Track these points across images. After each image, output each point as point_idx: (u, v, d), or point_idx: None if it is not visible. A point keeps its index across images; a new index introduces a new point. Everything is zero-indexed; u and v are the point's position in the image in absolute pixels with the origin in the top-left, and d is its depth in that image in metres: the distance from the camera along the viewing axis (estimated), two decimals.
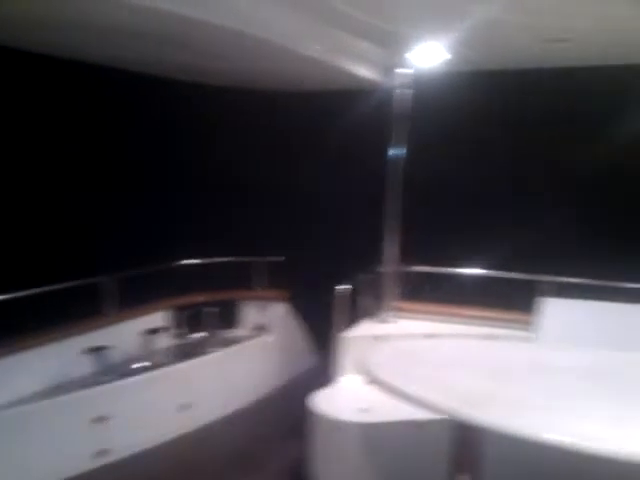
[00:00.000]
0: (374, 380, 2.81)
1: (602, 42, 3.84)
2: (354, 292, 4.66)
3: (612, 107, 4.72)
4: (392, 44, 4.09)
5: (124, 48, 4.01)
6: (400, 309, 4.90)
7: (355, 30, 3.81)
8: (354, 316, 4.77)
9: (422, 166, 4.94)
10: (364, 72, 4.41)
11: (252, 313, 5.67)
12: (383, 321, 4.80)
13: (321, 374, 4.47)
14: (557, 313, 4.27)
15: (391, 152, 4.66)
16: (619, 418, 2.44)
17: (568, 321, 4.22)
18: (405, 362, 3.09)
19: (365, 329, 4.67)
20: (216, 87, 5.38)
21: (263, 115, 5.63)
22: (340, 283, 4.38)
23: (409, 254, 4.95)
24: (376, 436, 3.71)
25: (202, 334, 5.30)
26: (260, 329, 5.58)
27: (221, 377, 4.97)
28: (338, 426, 3.74)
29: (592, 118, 4.82)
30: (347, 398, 4.09)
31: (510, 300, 4.64)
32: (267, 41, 3.47)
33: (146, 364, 4.67)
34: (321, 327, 4.69)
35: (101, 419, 3.98)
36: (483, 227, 5.12)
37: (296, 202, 5.75)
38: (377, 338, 4.33)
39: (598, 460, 2.17)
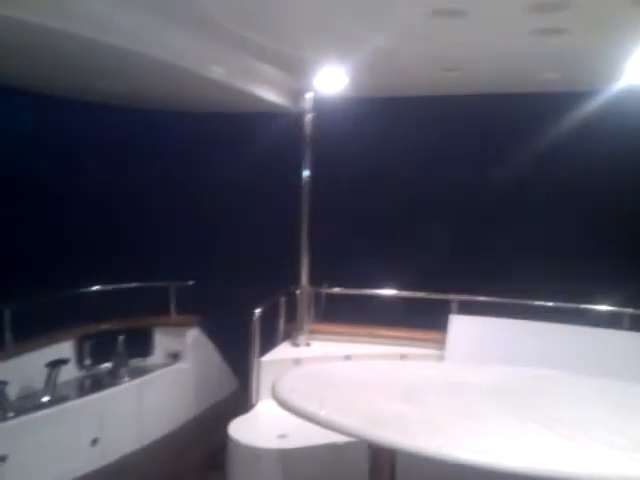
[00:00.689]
0: (284, 406, 2.80)
1: (491, 72, 4.07)
2: (270, 315, 4.64)
3: (504, 133, 5.03)
4: (298, 69, 4.17)
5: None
6: (316, 331, 4.91)
7: (261, 55, 3.86)
8: (271, 339, 4.74)
9: (331, 189, 5.05)
10: (271, 96, 4.47)
11: (165, 340, 5.50)
12: (299, 344, 4.79)
13: (240, 400, 4.40)
14: (466, 331, 4.43)
15: (300, 175, 4.71)
16: (521, 433, 2.53)
17: (476, 338, 4.39)
18: (318, 385, 3.09)
19: (282, 352, 4.65)
20: (126, 108, 5.26)
21: (171, 136, 5.54)
22: (255, 306, 4.34)
23: (323, 277, 5.01)
24: (295, 462, 3.67)
25: (111, 364, 5.09)
26: (174, 356, 5.42)
27: (134, 408, 4.77)
28: (257, 454, 3.68)
29: (486, 143, 5.11)
30: (265, 424, 4.04)
31: (424, 319, 4.76)
32: (169, 64, 3.45)
33: (49, 398, 4.41)
34: (238, 351, 4.62)
35: None
36: (393, 249, 5.26)
37: (207, 226, 5.69)
38: (292, 362, 4.31)
39: (501, 475, 2.24)
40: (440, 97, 4.86)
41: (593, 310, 4.45)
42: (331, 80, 4.29)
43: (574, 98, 4.62)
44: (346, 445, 3.47)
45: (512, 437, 2.49)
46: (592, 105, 4.52)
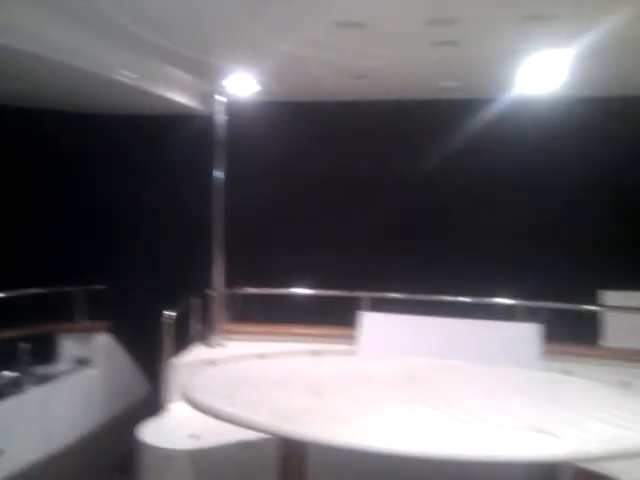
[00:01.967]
0: (194, 405, 2.82)
1: (395, 80, 4.26)
2: (183, 317, 4.62)
3: (408, 136, 5.25)
4: (207, 73, 4.19)
5: None
6: (230, 332, 4.93)
7: (170, 59, 3.85)
8: (184, 341, 4.71)
9: (245, 191, 5.08)
10: (182, 99, 4.46)
11: (72, 346, 5.34)
12: (213, 345, 4.79)
13: (152, 404, 4.34)
14: (375, 326, 4.59)
15: (213, 177, 4.72)
16: (424, 420, 2.68)
17: (385, 334, 4.56)
18: (229, 385, 3.12)
19: (195, 354, 4.63)
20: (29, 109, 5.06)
21: (71, 138, 5.37)
22: (167, 309, 4.30)
23: (237, 277, 5.03)
24: (206, 461, 3.67)
25: (15, 373, 4.88)
26: (82, 363, 5.27)
27: (40, 416, 4.61)
28: (168, 455, 3.65)
29: (395, 146, 5.31)
30: (177, 426, 4.01)
31: (336, 316, 4.88)
32: (72, 65, 3.38)
33: None
34: (150, 355, 4.56)
35: None
36: (306, 249, 5.35)
37: (118, 228, 5.56)
38: (206, 362, 4.31)
39: (405, 460, 2.37)
40: (350, 102, 5.01)
41: (494, 304, 4.73)
42: (242, 84, 4.34)
43: (474, 105, 4.90)
44: (258, 441, 3.50)
45: (416, 424, 2.62)
46: (490, 112, 4.80)
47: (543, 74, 3.86)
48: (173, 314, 4.28)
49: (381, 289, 4.92)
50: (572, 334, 4.45)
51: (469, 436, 2.50)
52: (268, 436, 3.00)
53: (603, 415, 2.71)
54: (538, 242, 5.13)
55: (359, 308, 4.77)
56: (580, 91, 4.44)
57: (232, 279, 4.99)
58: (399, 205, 5.38)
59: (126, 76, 3.76)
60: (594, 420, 2.65)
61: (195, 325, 4.85)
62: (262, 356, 4.38)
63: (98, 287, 5.33)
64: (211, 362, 4.32)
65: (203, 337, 4.85)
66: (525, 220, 5.19)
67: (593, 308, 4.55)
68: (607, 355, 4.32)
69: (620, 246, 4.91)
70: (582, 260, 4.93)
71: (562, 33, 3.08)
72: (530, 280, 4.77)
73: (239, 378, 3.28)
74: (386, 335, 4.55)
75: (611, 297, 4.53)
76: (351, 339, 4.61)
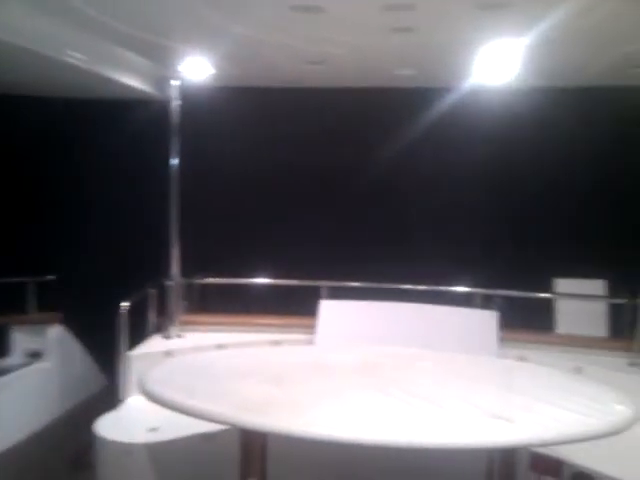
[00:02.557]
0: (151, 398, 2.77)
1: (352, 67, 4.25)
2: (140, 308, 4.53)
3: (365, 124, 5.25)
4: (162, 57, 4.09)
5: None
6: (188, 323, 4.86)
7: (122, 41, 3.74)
8: (141, 333, 4.63)
9: (201, 178, 5.00)
10: (136, 83, 4.34)
11: (24, 339, 5.18)
12: (171, 336, 4.72)
13: (109, 398, 4.25)
14: (335, 315, 4.60)
15: (169, 164, 4.62)
16: (382, 408, 2.69)
17: (345, 322, 4.58)
18: (188, 376, 3.08)
19: (152, 346, 4.55)
20: None
21: (20, 122, 5.18)
22: (123, 299, 4.21)
23: (195, 267, 4.96)
24: (166, 454, 3.62)
25: None
26: (34, 356, 5.12)
27: None
28: (126, 449, 3.59)
29: (351, 135, 5.31)
30: (135, 419, 3.95)
31: (298, 306, 4.86)
32: (19, 47, 3.25)
33: None
34: (105, 348, 4.46)
35: None
36: (265, 238, 5.31)
37: (70, 216, 5.40)
38: (164, 354, 4.25)
39: (364, 449, 2.38)
40: (307, 89, 4.97)
41: (452, 291, 4.80)
42: (197, 68, 4.25)
43: (430, 94, 4.92)
44: (218, 433, 3.48)
45: (373, 412, 2.64)
46: (445, 101, 4.84)
47: (497, 64, 3.90)
48: (127, 305, 4.19)
49: (342, 278, 4.92)
50: (529, 321, 4.56)
51: (427, 423, 2.53)
52: (229, 427, 2.99)
53: (558, 400, 2.78)
54: (494, 231, 5.21)
55: (320, 297, 4.77)
56: (534, 81, 4.50)
57: (190, 269, 4.92)
58: (358, 194, 5.38)
59: (76, 58, 3.63)
60: (549, 405, 2.71)
61: (152, 316, 4.76)
62: (221, 347, 4.34)
63: (50, 277, 5.18)
64: (169, 354, 4.26)
65: (160, 328, 4.77)
66: (480, 209, 5.26)
67: (546, 295, 4.65)
68: (561, 342, 4.44)
69: (573, 235, 5.03)
70: (538, 248, 5.03)
71: (516, 22, 3.12)
72: (487, 269, 4.85)
73: (198, 369, 3.25)
74: (345, 323, 4.57)
75: (564, 285, 4.63)
76: (311, 328, 4.61)
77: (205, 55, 3.99)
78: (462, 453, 2.55)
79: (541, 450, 3.35)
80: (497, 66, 3.96)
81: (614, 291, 4.53)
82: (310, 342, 4.54)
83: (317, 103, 5.09)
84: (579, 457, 3.30)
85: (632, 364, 4.15)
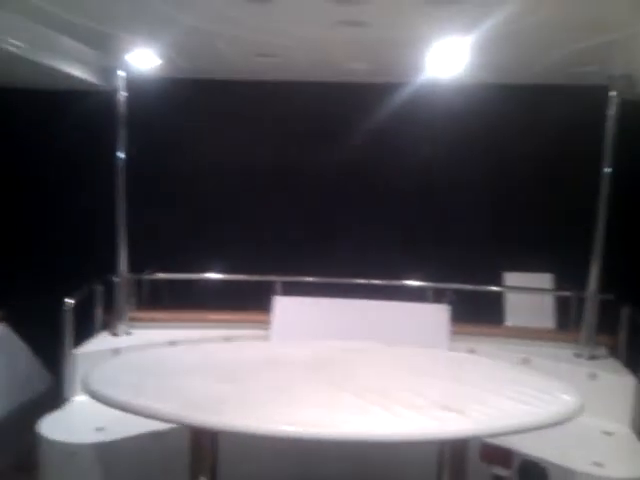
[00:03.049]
0: (96, 397, 2.68)
1: (304, 60, 4.21)
2: (87, 304, 4.39)
3: (318, 119, 5.23)
4: (108, 46, 3.96)
5: None
6: (137, 319, 4.74)
7: (64, 28, 3.59)
8: (88, 330, 4.49)
9: (149, 171, 4.89)
10: (80, 73, 4.19)
11: None
12: (119, 333, 4.59)
13: (54, 397, 4.12)
14: (289, 311, 4.58)
15: (115, 156, 4.49)
16: (335, 402, 2.68)
17: (299, 317, 4.56)
18: (135, 374, 3.00)
19: (99, 343, 4.43)
20: None
21: None
22: (68, 296, 4.07)
23: (145, 262, 4.84)
24: (114, 454, 3.54)
25: None
26: None
27: None
28: (72, 450, 3.49)
29: (304, 129, 5.28)
30: (81, 419, 3.84)
31: (251, 301, 4.81)
32: None
33: None
34: (50, 346, 4.30)
35: None
36: (217, 233, 5.24)
37: (12, 210, 5.20)
38: (111, 352, 4.14)
39: (318, 444, 2.37)
40: (259, 82, 4.91)
41: (405, 286, 4.83)
42: (144, 59, 4.14)
43: (382, 89, 4.93)
44: (168, 431, 3.41)
45: (326, 407, 2.62)
46: (399, 96, 4.85)
47: (448, 59, 3.93)
48: (72, 302, 4.06)
49: (296, 273, 4.89)
50: (481, 315, 4.64)
51: (379, 417, 2.53)
52: (178, 425, 2.93)
53: (507, 392, 2.82)
54: (446, 226, 5.27)
55: (274, 293, 4.73)
56: (483, 77, 4.56)
57: (140, 264, 4.80)
58: (311, 188, 5.36)
59: (16, 46, 3.46)
60: (498, 396, 2.76)
61: (99, 313, 4.62)
62: (172, 343, 4.25)
63: None
64: (116, 351, 4.15)
65: (108, 325, 4.64)
66: (432, 205, 5.32)
67: (495, 289, 4.74)
68: (510, 334, 4.53)
69: (522, 229, 5.14)
70: (489, 243, 5.12)
71: (465, 18, 3.14)
72: (440, 263, 4.91)
73: (146, 367, 3.17)
74: (299, 319, 4.54)
75: (513, 278, 4.73)
76: (266, 324, 4.56)
77: (152, 45, 3.88)
78: (414, 445, 2.57)
79: (491, 440, 3.41)
80: (448, 62, 3.99)
81: (561, 284, 4.65)
82: (264, 338, 4.50)
83: (268, 96, 5.04)
84: (527, 446, 3.37)
85: (578, 355, 4.27)
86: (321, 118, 5.21)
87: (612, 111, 4.09)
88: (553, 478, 3.28)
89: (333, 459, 3.60)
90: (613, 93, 4.08)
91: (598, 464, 3.28)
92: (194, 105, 5.02)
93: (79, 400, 3.99)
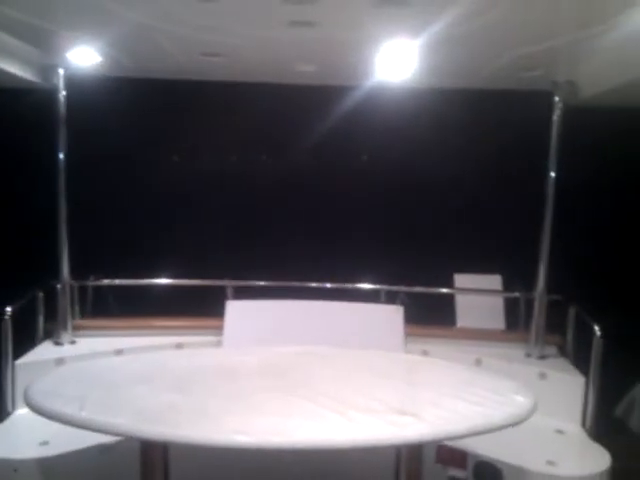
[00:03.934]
0: (38, 411, 2.55)
1: (251, 61, 4.14)
2: (29, 312, 4.20)
3: (266, 121, 5.18)
4: (48, 43, 3.79)
5: None
6: (83, 327, 4.57)
7: (2, 25, 3.42)
8: (30, 339, 4.30)
9: (93, 173, 4.73)
10: (17, 70, 4.00)
11: None
12: (63, 342, 4.41)
13: None
14: (241, 315, 4.49)
15: (57, 156, 4.31)
16: (289, 409, 2.63)
17: (252, 322, 4.48)
18: (80, 385, 2.87)
19: (41, 353, 4.24)
20: None
21: None
22: (8, 303, 3.89)
23: (91, 267, 4.67)
24: (59, 469, 3.38)
25: None
26: None
27: None
28: (12, 466, 3.32)
29: (251, 131, 5.22)
30: (23, 433, 3.66)
31: (203, 307, 4.70)
32: None
33: None
34: None
35: None
36: (167, 237, 5.11)
37: None
38: (55, 362, 3.97)
39: (273, 453, 2.31)
40: (204, 82, 4.80)
41: (358, 288, 4.82)
42: (85, 56, 3.99)
43: (331, 91, 4.90)
44: (116, 444, 3.30)
45: (280, 415, 2.57)
46: (349, 99, 4.84)
47: (396, 63, 3.94)
48: (9, 310, 3.87)
49: (249, 277, 4.81)
50: (433, 317, 4.67)
51: (335, 423, 2.50)
52: (123, 438, 2.83)
53: (461, 393, 2.84)
54: (395, 227, 5.30)
55: (226, 298, 4.64)
56: (431, 81, 4.59)
57: (85, 270, 4.62)
58: (261, 191, 5.30)
59: None
60: (453, 399, 2.77)
61: (40, 321, 4.43)
62: (119, 352, 4.11)
63: None
64: (60, 361, 3.99)
65: (51, 334, 4.45)
66: (384, 208, 5.34)
67: (446, 291, 4.78)
68: (462, 335, 4.57)
69: (472, 232, 5.21)
70: (440, 246, 5.16)
71: (413, 21, 3.15)
72: (393, 266, 4.92)
73: (92, 378, 3.04)
74: (252, 323, 4.47)
75: (463, 280, 4.78)
76: (218, 330, 4.46)
77: (94, 42, 3.74)
78: (371, 450, 2.54)
79: (446, 442, 3.42)
80: (397, 65, 4.00)
81: (510, 286, 4.73)
82: (217, 344, 4.41)
83: (214, 97, 4.94)
84: (482, 447, 3.40)
85: (528, 355, 4.35)
86: (268, 120, 5.15)
87: (556, 116, 4.20)
88: (508, 478, 3.31)
89: (289, 466, 3.54)
90: (557, 98, 4.19)
91: (551, 463, 3.34)
92: (137, 104, 4.86)
93: (21, 413, 3.80)
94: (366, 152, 5.16)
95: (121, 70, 4.45)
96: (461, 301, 4.73)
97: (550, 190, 4.21)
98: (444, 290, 4.79)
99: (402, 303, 4.55)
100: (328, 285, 4.82)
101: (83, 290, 4.73)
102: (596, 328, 3.80)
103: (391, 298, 4.68)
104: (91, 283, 4.75)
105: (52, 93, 4.29)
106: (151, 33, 3.49)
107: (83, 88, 4.37)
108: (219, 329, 4.45)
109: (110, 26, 3.33)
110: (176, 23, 3.29)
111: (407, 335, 4.40)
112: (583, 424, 3.83)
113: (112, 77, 4.61)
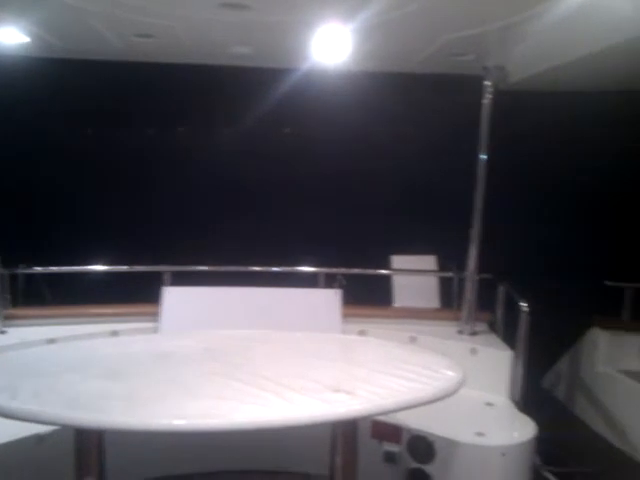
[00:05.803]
0: None
1: (184, 42, 4.08)
2: None
3: (200, 103, 5.12)
4: None
5: None
6: (13, 317, 4.42)
7: None
8: None
9: (23, 156, 4.58)
10: None
11: None
12: None
13: None
14: (178, 301, 4.46)
15: None
16: (227, 392, 2.64)
17: (189, 308, 4.45)
18: (10, 376, 2.80)
19: None
20: None
21: None
22: None
23: (21, 255, 4.53)
24: None
25: None
26: None
27: None
28: None
29: (185, 113, 5.15)
30: None
31: (139, 293, 4.63)
32: None
33: None
34: None
35: None
36: (101, 223, 5.00)
37: None
38: None
39: (212, 436, 2.32)
40: (139, 63, 4.69)
41: (298, 271, 4.86)
42: (10, 36, 3.82)
43: (266, 74, 4.88)
44: (51, 433, 3.23)
45: (217, 397, 2.58)
46: (283, 82, 4.83)
47: (331, 46, 3.94)
48: None
49: (187, 262, 4.77)
50: (371, 298, 4.76)
51: (272, 403, 2.53)
52: (58, 427, 2.78)
53: (394, 370, 2.92)
54: (334, 213, 5.36)
55: (162, 284, 4.58)
56: (365, 65, 4.63)
57: (15, 257, 4.47)
58: (196, 175, 5.25)
59: None
60: (386, 375, 2.84)
61: None
62: (51, 341, 4.01)
63: None
64: None
65: None
66: (320, 191, 5.38)
67: (383, 272, 4.88)
68: (398, 315, 4.68)
69: (410, 213, 5.32)
70: (377, 227, 5.26)
71: (345, 5, 3.17)
72: (332, 249, 4.98)
73: (22, 367, 2.96)
74: (189, 309, 4.44)
75: (399, 261, 4.88)
76: (154, 316, 4.41)
77: (19, 22, 3.59)
78: (307, 428, 2.59)
79: (380, 418, 3.52)
80: (331, 49, 4.01)
81: (444, 266, 4.87)
82: (154, 331, 4.35)
83: (147, 79, 4.84)
84: (415, 422, 3.51)
85: (460, 332, 4.50)
86: (202, 102, 5.09)
87: (487, 100, 4.31)
88: (439, 450, 3.44)
89: (227, 448, 3.56)
90: (488, 83, 4.30)
91: (480, 434, 3.48)
92: (69, 86, 4.72)
93: None
94: (302, 136, 5.18)
95: (50, 51, 4.28)
96: (398, 281, 4.84)
97: (481, 172, 4.33)
98: (381, 271, 4.89)
99: (340, 285, 4.61)
100: (268, 269, 4.82)
101: (14, 279, 4.58)
102: (523, 304, 3.96)
103: (330, 280, 4.74)
104: (21, 271, 4.60)
105: None
106: (81, 13, 3.38)
107: (7, 69, 4.20)
108: (155, 316, 4.41)
109: (37, 5, 3.21)
110: (107, 3, 3.20)
111: (345, 316, 4.48)
112: (512, 396, 4.00)
113: (40, 58, 4.44)
